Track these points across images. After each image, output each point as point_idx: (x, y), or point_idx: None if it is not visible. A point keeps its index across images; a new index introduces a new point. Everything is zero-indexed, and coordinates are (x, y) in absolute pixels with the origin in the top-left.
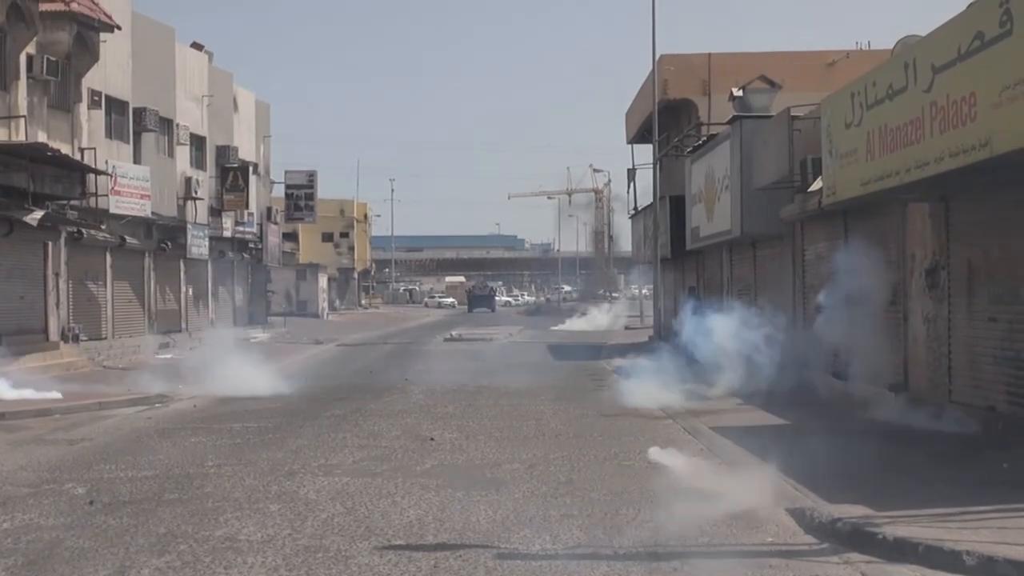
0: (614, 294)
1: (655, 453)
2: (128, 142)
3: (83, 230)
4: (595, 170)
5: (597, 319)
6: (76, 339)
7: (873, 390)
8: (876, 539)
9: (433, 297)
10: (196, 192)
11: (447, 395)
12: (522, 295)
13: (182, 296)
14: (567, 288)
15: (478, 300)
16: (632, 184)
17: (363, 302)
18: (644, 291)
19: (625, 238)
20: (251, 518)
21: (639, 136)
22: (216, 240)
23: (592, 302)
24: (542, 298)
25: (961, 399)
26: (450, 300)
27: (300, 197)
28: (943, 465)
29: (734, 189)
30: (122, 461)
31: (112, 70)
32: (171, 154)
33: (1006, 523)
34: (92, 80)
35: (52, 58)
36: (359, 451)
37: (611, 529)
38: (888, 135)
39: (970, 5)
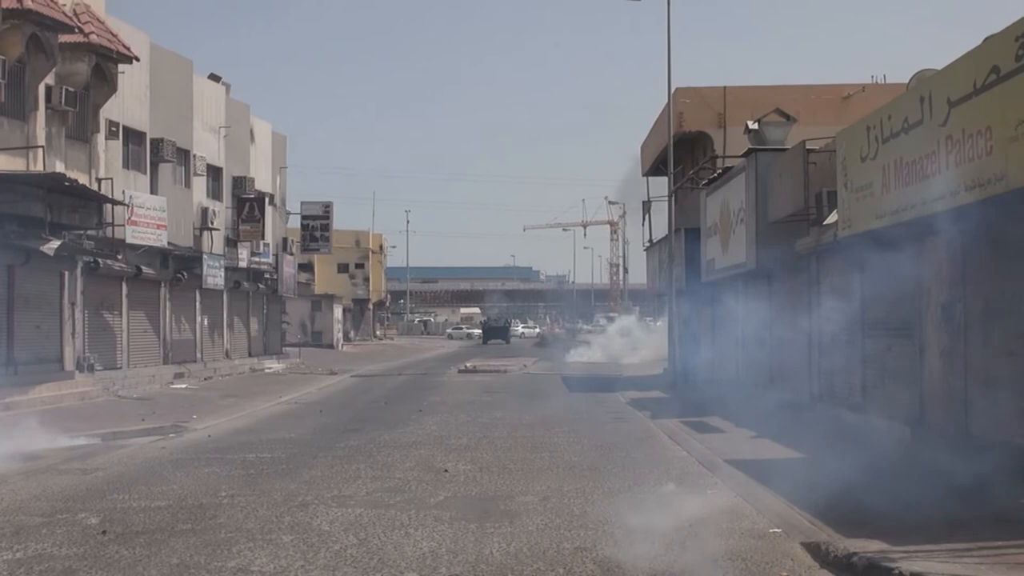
0: None
1: (670, 486)
2: (145, 172)
3: (99, 260)
4: (610, 202)
5: (612, 350)
6: (91, 369)
7: (889, 424)
8: (892, 574)
9: (459, 328)
10: (212, 222)
11: (461, 427)
12: (551, 327)
13: (197, 326)
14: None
15: (493, 332)
16: (647, 216)
17: (378, 333)
18: (658, 323)
19: (640, 270)
20: (264, 549)
21: (654, 169)
22: (232, 270)
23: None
24: (559, 328)
25: (978, 433)
26: (477, 331)
27: (316, 228)
28: (959, 500)
29: (749, 222)
30: (135, 491)
31: (130, 101)
32: (188, 184)
33: (1022, 559)
34: (110, 111)
35: (71, 89)
36: (372, 482)
37: (625, 562)
38: (904, 168)
39: (986, 39)
